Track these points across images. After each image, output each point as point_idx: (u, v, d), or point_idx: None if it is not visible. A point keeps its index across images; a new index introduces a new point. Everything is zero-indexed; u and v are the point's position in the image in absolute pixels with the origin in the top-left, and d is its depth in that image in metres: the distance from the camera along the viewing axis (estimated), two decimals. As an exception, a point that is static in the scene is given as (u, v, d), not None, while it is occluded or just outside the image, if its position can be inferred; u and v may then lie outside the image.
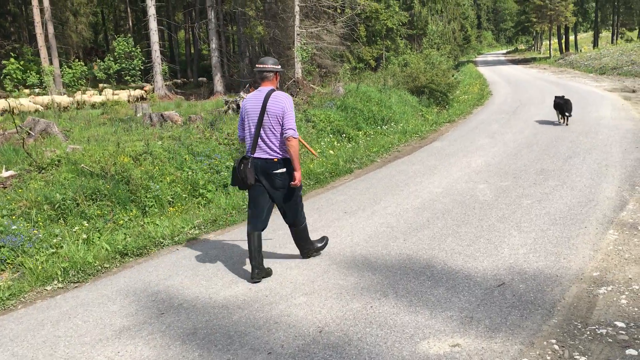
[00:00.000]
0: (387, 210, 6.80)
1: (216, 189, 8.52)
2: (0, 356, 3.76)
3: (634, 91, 20.05)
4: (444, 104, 17.93)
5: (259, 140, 4.69)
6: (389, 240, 5.67)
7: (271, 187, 4.79)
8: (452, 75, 20.22)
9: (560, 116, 13.18)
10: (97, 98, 24.32)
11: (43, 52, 31.73)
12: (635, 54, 31.64)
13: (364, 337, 3.68)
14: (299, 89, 16.08)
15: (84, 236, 6.61)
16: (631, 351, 3.35)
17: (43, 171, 8.66)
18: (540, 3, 45.28)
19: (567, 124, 12.84)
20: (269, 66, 4.77)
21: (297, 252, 5.41)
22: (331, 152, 10.63)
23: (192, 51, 49.10)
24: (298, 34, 27.03)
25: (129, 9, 47.40)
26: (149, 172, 8.41)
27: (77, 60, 18.90)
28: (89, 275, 5.35)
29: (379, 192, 7.82)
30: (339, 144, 11.40)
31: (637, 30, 51.93)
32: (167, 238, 6.27)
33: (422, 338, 3.62)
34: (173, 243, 6.21)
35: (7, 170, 8.88)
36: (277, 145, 4.70)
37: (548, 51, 53.20)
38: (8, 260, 5.97)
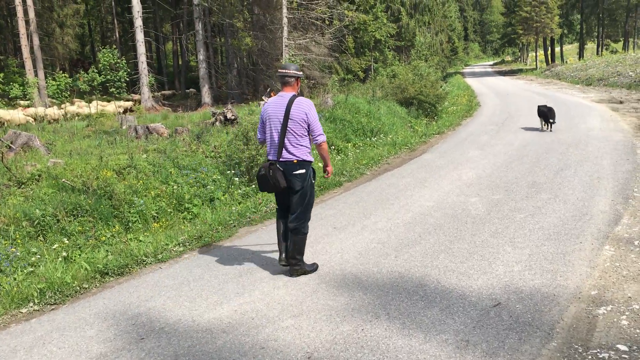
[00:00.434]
0: (378, 225, 6.63)
1: (202, 204, 8.31)
2: (-33, 388, 3.52)
3: (621, 102, 20.14)
4: (433, 115, 17.86)
5: (285, 144, 4.91)
6: (380, 257, 5.49)
7: (290, 187, 4.98)
8: (441, 87, 20.20)
9: (544, 123, 13.98)
10: (87, 109, 24.02)
11: (28, 64, 31.32)
12: (621, 65, 31.92)
13: (355, 363, 3.48)
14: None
15: (64, 254, 6.37)
16: (636, 377, 3.19)
17: (23, 186, 8.40)
18: (527, 15, 45.72)
19: (551, 130, 13.69)
20: (291, 72, 4.98)
21: (281, 269, 5.23)
22: (320, 164, 10.44)
23: (180, 63, 48.87)
24: (286, 46, 26.97)
25: (115, 21, 47.12)
26: (133, 187, 8.19)
27: (62, 72, 18.60)
28: (67, 296, 5.10)
29: (369, 206, 7.65)
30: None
31: (622, 42, 52.53)
32: (150, 256, 6.04)
33: (417, 364, 3.43)
34: (156, 261, 5.98)
35: (-15, 185, 8.60)
36: (297, 148, 4.92)
37: (534, 63, 53.69)
38: (-17, 280, 5.72)
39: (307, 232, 5.12)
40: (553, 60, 52.07)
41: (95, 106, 23.44)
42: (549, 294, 4.33)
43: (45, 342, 4.11)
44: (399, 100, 17.81)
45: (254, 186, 8.93)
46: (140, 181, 8.47)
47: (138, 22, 29.87)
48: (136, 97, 30.19)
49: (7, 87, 18.52)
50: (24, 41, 31.04)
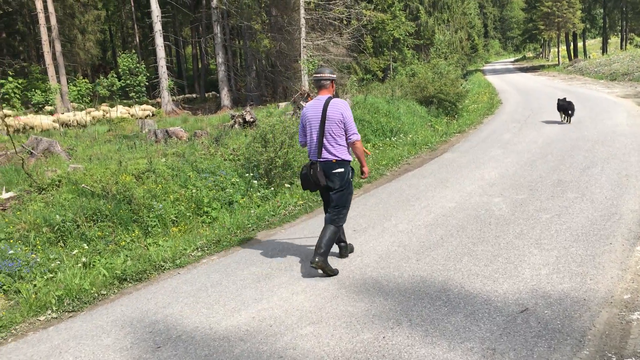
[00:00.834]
0: (398, 227, 6.48)
1: (221, 207, 8.25)
2: (-16, 398, 3.48)
3: (647, 97, 19.63)
4: (454, 113, 17.60)
5: (324, 144, 5.13)
6: (401, 260, 5.35)
7: (330, 185, 5.20)
8: (461, 85, 19.92)
9: (563, 116, 14.66)
10: (114, 113, 24.28)
11: (50, 70, 31.81)
12: (647, 59, 31.18)
13: (376, 373, 3.36)
14: (306, 101, 15.84)
15: (84, 259, 6.36)
16: (675, 388, 3.01)
17: (43, 192, 8.44)
18: (548, 10, 44.92)
19: (569, 122, 14.36)
20: (326, 75, 5.24)
21: (300, 274, 5.13)
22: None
23: (200, 66, 49.19)
24: (304, 47, 26.91)
25: (135, 26, 47.61)
26: (152, 191, 8.17)
27: (83, 78, 18.80)
28: (85, 303, 5.07)
29: (390, 207, 7.50)
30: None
31: (647, 35, 51.43)
32: (168, 261, 5.99)
33: (441, 374, 3.30)
34: (174, 266, 5.93)
35: (7, 191, 8.67)
36: (336, 148, 5.12)
37: (556, 58, 52.75)
38: (5, 287, 5.73)
39: (341, 226, 5.31)
40: (576, 55, 51.13)
41: (116, 110, 23.72)
42: (578, 299, 4.15)
43: (62, 351, 4.06)
44: (419, 99, 17.60)
45: (272, 189, 8.85)
46: (159, 185, 8.45)
47: (157, 27, 30.12)
48: (156, 101, 30.44)
49: (29, 94, 18.75)
50: (46, 48, 31.52)
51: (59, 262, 6.27)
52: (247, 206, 8.30)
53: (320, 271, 5.09)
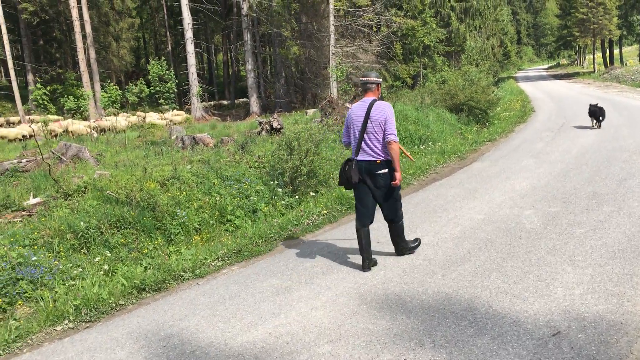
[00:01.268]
0: (424, 239, 6.26)
1: (245, 215, 8.16)
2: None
3: (688, 105, 18.91)
4: (484, 121, 17.24)
5: (363, 144, 5.29)
6: (425, 275, 5.14)
7: (374, 187, 5.34)
8: (492, 92, 19.53)
9: (594, 122, 15.05)
10: (148, 118, 24.68)
11: (85, 77, 32.52)
12: (687, 66, 30.13)
13: (395, 398, 3.17)
14: (333, 108, 15.71)
15: (105, 267, 6.33)
16: None
17: (69, 198, 8.48)
18: (583, 17, 43.92)
19: (599, 127, 14.76)
20: (372, 79, 5.44)
21: (320, 288, 4.97)
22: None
23: (230, 73, 49.61)
24: (333, 54, 26.85)
25: (168, 33, 48.35)
26: (176, 198, 8.12)
27: (112, 84, 19.09)
28: (102, 313, 5.00)
29: (415, 218, 7.29)
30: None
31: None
32: (188, 271, 5.90)
33: (464, 401, 3.09)
34: (194, 277, 5.83)
35: (34, 197, 8.76)
36: (380, 148, 5.26)
37: (592, 65, 51.50)
38: (26, 294, 5.72)
39: (401, 219, 5.63)
40: (612, 63, 49.82)
41: (143, 118, 24.06)
42: (615, 322, 3.88)
43: (75, 363, 3.99)
44: (449, 106, 17.30)
45: (297, 197, 8.73)
46: (184, 192, 8.40)
47: (188, 34, 30.48)
48: (186, 107, 30.74)
49: (62, 100, 19.11)
50: (81, 55, 32.24)
51: (80, 269, 6.25)
52: (270, 214, 8.19)
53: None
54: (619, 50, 54.77)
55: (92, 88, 33.06)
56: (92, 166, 10.99)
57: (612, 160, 10.10)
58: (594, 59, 50.21)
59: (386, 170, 5.28)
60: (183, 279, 5.78)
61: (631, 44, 69.66)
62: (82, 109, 18.95)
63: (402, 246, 5.71)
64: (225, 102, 45.76)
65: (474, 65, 26.41)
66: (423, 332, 3.97)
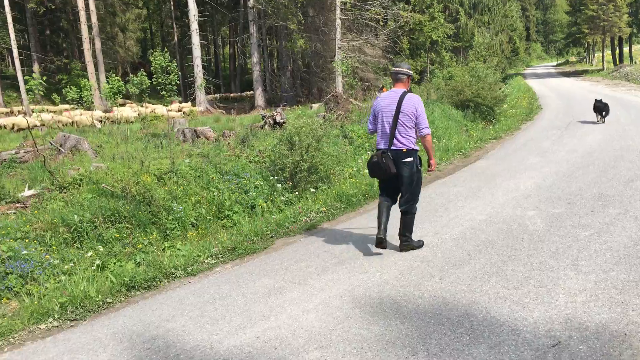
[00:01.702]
0: (424, 239, 6.08)
1: (243, 211, 8.01)
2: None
3: (699, 105, 18.61)
4: (490, 118, 16.99)
5: (396, 133, 5.48)
6: (422, 278, 4.97)
7: (400, 174, 5.55)
8: (500, 89, 19.26)
9: (598, 117, 15.50)
10: (159, 110, 24.52)
11: (90, 67, 32.38)
12: (699, 65, 29.71)
13: (384, 411, 3.01)
14: (337, 103, 15.50)
15: (97, 262, 6.19)
16: None
17: (64, 190, 8.35)
18: (593, 14, 43.41)
19: (604, 122, 15.22)
20: (404, 70, 5.64)
21: (314, 289, 4.81)
22: (367, 171, 9.96)
23: (237, 65, 49.43)
24: (339, 47, 26.60)
25: (174, 25, 48.13)
26: (173, 192, 7.97)
27: (114, 76, 18.94)
28: (89, 311, 4.86)
29: (416, 217, 7.09)
30: (376, 162, 10.72)
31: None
32: (180, 269, 5.75)
33: (457, 416, 2.93)
34: (186, 274, 5.69)
35: (29, 189, 8.63)
36: (406, 138, 5.48)
37: (601, 63, 50.98)
38: (16, 289, 5.60)
39: (415, 212, 5.78)
40: (621, 60, 49.24)
41: (146, 108, 23.90)
42: (618, 333, 3.70)
43: (55, 364, 3.85)
44: (455, 102, 17.05)
45: (297, 193, 8.57)
46: (181, 187, 8.25)
47: (194, 26, 30.28)
48: (175, 101, 30.65)
49: (65, 90, 18.98)
50: (86, 45, 32.13)
51: (72, 264, 6.12)
52: (269, 210, 8.03)
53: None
54: (628, 48, 54.10)
55: (97, 79, 32.96)
56: (91, 158, 10.86)
57: (619, 160, 9.87)
58: (603, 56, 49.72)
59: (411, 158, 5.51)
60: (174, 277, 5.63)
61: (641, 42, 68.96)
62: (84, 99, 18.81)
63: (408, 241, 5.74)
64: (231, 95, 45.60)
65: (481, 62, 26.11)
66: (417, 340, 3.81)
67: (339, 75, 25.09)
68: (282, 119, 15.05)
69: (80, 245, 6.79)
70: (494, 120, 16.93)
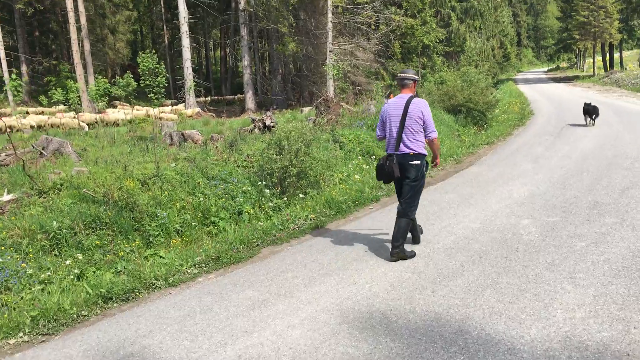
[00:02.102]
0: (415, 249, 5.88)
1: (229, 217, 7.76)
2: None
3: (690, 112, 18.59)
4: (482, 123, 16.86)
5: (403, 137, 5.56)
6: (414, 291, 4.75)
7: (405, 177, 5.62)
8: (491, 94, 19.15)
9: (588, 120, 16.06)
10: (152, 112, 24.14)
11: (79, 69, 31.97)
12: (689, 72, 29.81)
13: None
14: (328, 107, 15.28)
15: (76, 271, 5.93)
16: None
17: (44, 195, 8.06)
18: (584, 20, 43.56)
19: (593, 124, 15.85)
20: (410, 75, 5.73)
21: (300, 302, 4.58)
22: (357, 176, 9.77)
23: (227, 68, 49.13)
24: (331, 51, 26.43)
25: (165, 27, 47.77)
26: (157, 198, 7.71)
27: (102, 78, 18.62)
28: (62, 325, 4.59)
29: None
30: (368, 166, 10.53)
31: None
32: (161, 279, 5.50)
33: None
34: (167, 285, 5.43)
35: (8, 193, 8.33)
36: (413, 142, 5.55)
37: (591, 69, 51.19)
38: (-12, 299, 5.31)
39: (412, 217, 5.75)
40: (612, 67, 49.45)
41: (131, 110, 23.59)
42: (620, 353, 3.50)
43: (21, 385, 3.59)
44: (447, 107, 16.91)
45: (285, 199, 8.34)
46: (166, 192, 7.99)
47: (184, 28, 30.00)
48: (168, 102, 30.34)
49: (51, 92, 18.65)
50: (75, 46, 31.71)
51: (49, 273, 5.85)
52: (256, 217, 7.80)
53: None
54: (619, 54, 54.37)
55: (86, 81, 32.55)
56: (74, 162, 10.56)
57: (613, 167, 9.73)
58: (594, 62, 49.91)
59: (419, 162, 5.58)
60: (155, 288, 5.37)
61: (631, 49, 69.45)
62: (70, 101, 18.46)
63: (400, 249, 5.60)
64: (222, 98, 45.28)
65: (473, 66, 26.03)
66: (407, 359, 3.58)
67: (330, 79, 24.90)
68: (271, 122, 14.81)
69: (59, 252, 6.51)
70: (485, 126, 16.80)
